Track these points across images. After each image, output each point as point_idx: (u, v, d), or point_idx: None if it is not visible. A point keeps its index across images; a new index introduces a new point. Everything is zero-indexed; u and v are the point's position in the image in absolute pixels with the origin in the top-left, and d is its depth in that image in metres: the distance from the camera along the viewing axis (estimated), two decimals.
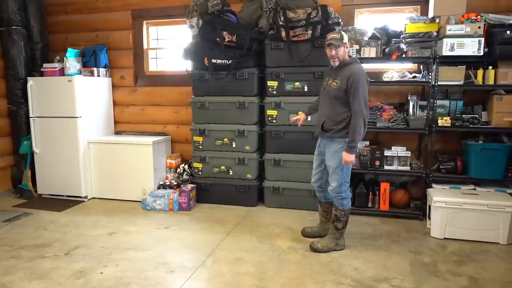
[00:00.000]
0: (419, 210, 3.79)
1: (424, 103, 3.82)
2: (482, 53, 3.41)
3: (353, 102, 2.82)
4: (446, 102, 3.79)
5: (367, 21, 4.26)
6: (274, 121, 4.05)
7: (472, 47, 3.41)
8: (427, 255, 3.01)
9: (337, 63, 2.89)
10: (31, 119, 4.52)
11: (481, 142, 3.64)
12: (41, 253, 3.09)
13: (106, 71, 4.84)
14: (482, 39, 3.39)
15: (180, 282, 2.62)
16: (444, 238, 3.30)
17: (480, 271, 2.76)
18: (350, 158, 2.86)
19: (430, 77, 3.62)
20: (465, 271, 2.76)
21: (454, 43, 3.43)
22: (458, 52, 3.44)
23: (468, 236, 3.27)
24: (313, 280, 2.62)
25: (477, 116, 3.64)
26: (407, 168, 3.79)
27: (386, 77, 3.88)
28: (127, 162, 4.40)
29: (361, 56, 3.72)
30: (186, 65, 4.45)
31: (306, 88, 3.93)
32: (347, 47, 2.90)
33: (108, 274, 2.73)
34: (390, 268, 2.81)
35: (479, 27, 3.39)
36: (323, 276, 2.68)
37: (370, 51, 3.71)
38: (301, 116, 3.35)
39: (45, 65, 4.60)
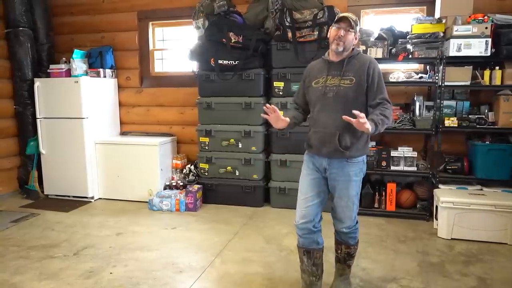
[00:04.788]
0: (425, 210, 3.79)
1: (430, 103, 3.82)
2: (489, 54, 3.41)
3: (381, 93, 2.18)
4: (452, 103, 3.80)
5: (373, 22, 4.26)
6: None
7: (479, 48, 3.41)
8: (434, 256, 3.02)
9: (340, 49, 2.18)
10: (37, 120, 4.54)
11: (487, 142, 3.64)
12: (50, 253, 3.11)
13: (112, 72, 4.86)
14: (489, 40, 3.39)
15: (189, 283, 2.63)
16: (451, 239, 3.30)
17: (489, 272, 2.76)
18: (369, 129, 1.99)
19: (436, 77, 3.62)
20: (473, 271, 2.76)
21: (461, 44, 3.43)
22: (465, 52, 3.44)
23: (475, 237, 3.27)
24: None
25: (483, 116, 3.65)
26: (414, 168, 3.80)
27: (392, 78, 3.88)
28: (133, 162, 4.42)
29: None
30: (192, 66, 4.46)
31: None
32: (356, 38, 2.25)
33: (117, 274, 2.74)
34: (398, 268, 2.81)
35: (486, 28, 3.39)
36: (332, 276, 2.68)
37: (376, 52, 3.71)
38: (287, 119, 2.32)
39: (51, 66, 4.62)
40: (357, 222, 2.37)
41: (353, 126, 2.04)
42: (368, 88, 2.18)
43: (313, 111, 2.30)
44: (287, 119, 2.30)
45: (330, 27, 2.24)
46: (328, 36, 2.28)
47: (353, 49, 2.25)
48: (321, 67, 2.30)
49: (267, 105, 2.29)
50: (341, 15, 2.20)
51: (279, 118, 2.27)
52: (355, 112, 1.96)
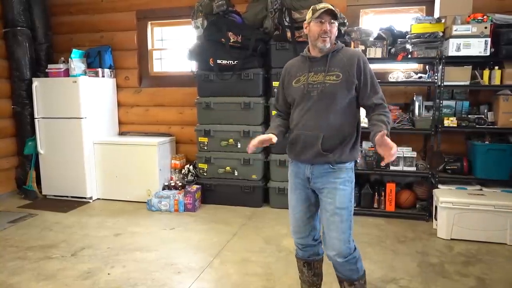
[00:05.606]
0: (425, 210, 3.79)
1: (430, 103, 3.81)
2: (488, 53, 3.41)
3: (377, 92, 1.98)
4: (452, 103, 3.79)
5: (373, 22, 4.26)
6: None
7: (479, 47, 3.41)
8: (434, 256, 3.01)
9: (328, 45, 1.97)
10: (36, 120, 4.52)
11: (487, 142, 3.63)
12: (48, 254, 3.09)
13: (110, 71, 4.84)
14: (489, 39, 3.38)
15: (187, 283, 2.62)
16: (451, 239, 3.30)
17: (488, 272, 2.75)
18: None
19: (436, 77, 3.62)
20: (473, 272, 2.75)
21: (460, 44, 3.42)
22: (464, 52, 3.44)
23: (474, 237, 3.27)
24: None
25: (483, 116, 3.64)
26: (413, 168, 3.78)
27: (391, 78, 3.88)
28: (132, 163, 4.40)
29: (367, 56, 3.71)
30: (190, 66, 4.44)
31: None
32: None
33: (115, 275, 2.73)
34: (397, 268, 2.80)
35: (486, 27, 3.39)
36: (331, 277, 2.64)
37: (375, 52, 3.71)
38: (270, 136, 2.04)
39: (50, 66, 4.61)
40: (355, 249, 2.01)
41: (340, 127, 1.95)
42: (360, 86, 1.97)
43: (294, 112, 2.05)
44: (273, 136, 2.04)
45: (306, 23, 2.02)
46: (305, 32, 2.04)
47: (335, 42, 2.04)
48: (301, 65, 2.06)
49: (251, 146, 2.06)
50: (322, 8, 1.93)
51: (264, 142, 2.04)
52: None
